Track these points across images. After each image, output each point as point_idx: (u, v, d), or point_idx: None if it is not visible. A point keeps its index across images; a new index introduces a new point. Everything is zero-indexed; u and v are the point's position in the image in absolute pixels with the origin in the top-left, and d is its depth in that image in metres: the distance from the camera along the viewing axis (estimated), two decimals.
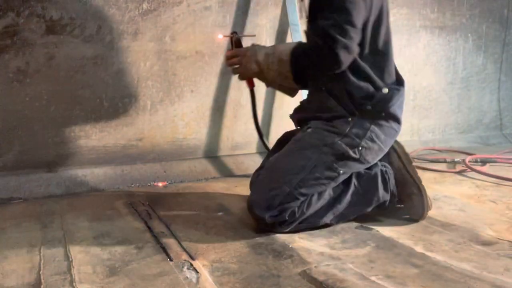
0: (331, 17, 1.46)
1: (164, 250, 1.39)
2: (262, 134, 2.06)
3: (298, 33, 2.41)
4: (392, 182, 1.64)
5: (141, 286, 1.17)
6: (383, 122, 1.59)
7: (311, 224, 1.55)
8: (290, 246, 1.43)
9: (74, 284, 1.18)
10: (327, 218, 1.56)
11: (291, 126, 1.88)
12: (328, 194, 1.56)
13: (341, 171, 1.55)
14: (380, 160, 1.65)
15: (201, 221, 1.66)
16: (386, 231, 1.56)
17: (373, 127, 1.57)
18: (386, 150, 1.63)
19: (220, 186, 2.18)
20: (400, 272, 1.24)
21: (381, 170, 1.63)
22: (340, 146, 1.54)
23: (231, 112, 2.47)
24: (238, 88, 2.45)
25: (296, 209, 1.50)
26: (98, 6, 2.08)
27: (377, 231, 1.56)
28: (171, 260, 1.32)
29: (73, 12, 2.04)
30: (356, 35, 1.48)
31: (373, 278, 1.21)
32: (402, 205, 1.69)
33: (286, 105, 2.39)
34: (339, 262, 1.30)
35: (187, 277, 1.22)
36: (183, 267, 1.28)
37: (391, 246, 1.43)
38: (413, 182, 1.64)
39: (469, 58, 3.26)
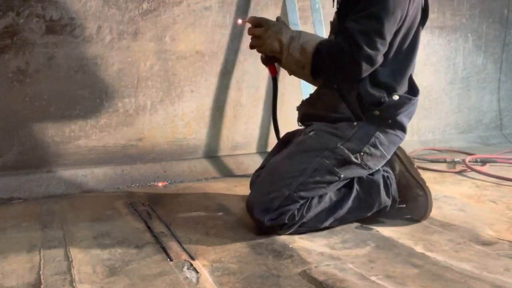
0: (362, 23, 1.43)
1: (164, 250, 1.39)
2: (278, 128, 1.87)
3: None
4: (394, 187, 1.63)
5: (141, 286, 1.17)
6: (389, 130, 1.57)
7: (312, 228, 1.54)
8: (290, 246, 1.43)
9: (74, 284, 1.18)
10: (328, 222, 1.55)
11: (291, 126, 1.88)
12: (328, 197, 1.55)
13: (342, 176, 1.53)
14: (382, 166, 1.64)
15: (201, 221, 1.66)
16: (386, 231, 1.56)
17: (378, 133, 1.55)
18: (388, 157, 1.61)
19: (220, 186, 2.18)
20: (400, 272, 1.24)
21: (383, 176, 1.62)
22: (342, 151, 1.52)
23: (231, 112, 2.47)
24: (238, 88, 2.45)
25: (296, 212, 1.49)
26: (98, 6, 2.08)
27: (377, 231, 1.56)
28: (171, 260, 1.32)
29: (73, 12, 2.04)
30: (382, 47, 1.45)
31: (373, 278, 1.21)
32: (404, 206, 1.68)
33: (286, 105, 2.39)
34: (339, 262, 1.30)
35: (187, 277, 1.22)
36: (183, 267, 1.28)
37: (391, 246, 1.43)
38: (417, 184, 1.63)
39: (469, 58, 3.26)
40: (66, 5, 2.02)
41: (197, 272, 1.24)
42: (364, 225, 1.62)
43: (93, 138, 2.18)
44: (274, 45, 1.56)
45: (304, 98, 1.81)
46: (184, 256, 1.35)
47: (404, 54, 1.57)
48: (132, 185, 2.18)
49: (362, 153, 1.54)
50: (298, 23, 2.44)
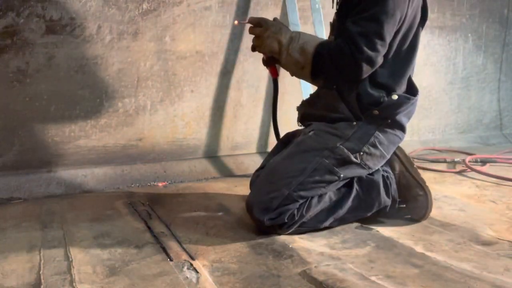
0: (361, 25, 1.43)
1: (164, 250, 1.39)
2: (278, 129, 1.88)
3: None
4: (393, 187, 1.63)
5: (141, 286, 1.17)
6: (388, 129, 1.57)
7: (312, 228, 1.54)
8: (290, 246, 1.43)
9: (74, 284, 1.18)
10: (328, 222, 1.55)
11: (291, 126, 1.88)
12: (328, 197, 1.55)
13: (342, 175, 1.53)
14: (381, 165, 1.64)
15: (201, 221, 1.66)
16: (386, 231, 1.56)
17: (377, 133, 1.55)
18: (388, 157, 1.61)
19: (220, 186, 2.18)
20: (400, 272, 1.24)
21: (383, 176, 1.62)
22: (342, 151, 1.52)
23: (231, 112, 2.47)
24: (238, 88, 2.45)
25: (295, 211, 1.49)
26: (98, 6, 2.08)
27: (377, 231, 1.56)
28: (171, 260, 1.32)
29: (73, 12, 2.04)
30: (382, 49, 1.45)
31: (373, 278, 1.21)
32: (404, 205, 1.68)
33: (287, 104, 2.39)
34: (339, 262, 1.30)
35: (187, 277, 1.22)
36: (183, 267, 1.28)
37: (391, 246, 1.43)
38: (417, 184, 1.63)
39: (469, 58, 3.26)
40: (66, 5, 2.02)
41: (197, 272, 1.24)
42: (364, 225, 1.62)
43: (93, 138, 2.18)
44: (273, 45, 1.55)
45: (304, 99, 1.82)
46: (184, 256, 1.35)
47: (404, 55, 1.57)
48: (132, 185, 2.18)
49: (361, 153, 1.54)
50: (298, 23, 2.44)
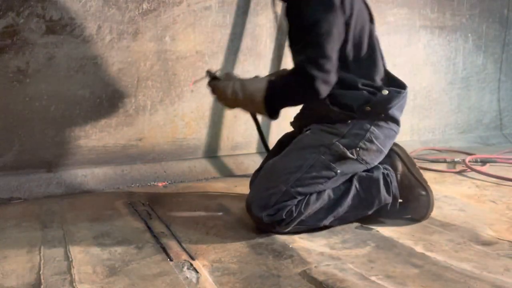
0: (305, 52, 1.49)
1: (164, 250, 1.39)
2: (267, 145, 1.98)
3: None
4: (394, 184, 1.63)
5: (141, 286, 1.17)
6: (382, 123, 1.59)
7: (311, 227, 1.54)
8: (290, 246, 1.43)
9: (74, 284, 1.18)
10: (327, 221, 1.55)
11: (290, 127, 1.88)
12: (327, 195, 1.55)
13: (339, 171, 1.55)
14: (381, 163, 1.65)
15: (201, 221, 1.66)
16: (386, 231, 1.56)
17: (372, 128, 1.57)
18: (385, 151, 1.63)
19: (220, 186, 2.18)
20: (400, 272, 1.24)
21: (383, 173, 1.62)
22: (338, 147, 1.54)
23: (231, 112, 2.46)
24: None
25: (294, 208, 1.50)
26: (98, 6, 2.08)
27: (377, 231, 1.56)
28: (171, 260, 1.32)
29: (73, 12, 2.04)
30: (332, 67, 1.49)
31: (373, 278, 1.21)
32: (406, 205, 1.68)
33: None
34: (339, 262, 1.30)
35: (187, 277, 1.22)
36: (183, 267, 1.28)
37: (391, 246, 1.43)
38: (419, 184, 1.63)
39: (469, 58, 3.26)
40: (66, 5, 2.02)
41: (197, 272, 1.24)
42: (364, 225, 1.62)
43: (93, 138, 2.18)
44: (227, 102, 1.65)
45: (297, 113, 1.84)
46: (184, 256, 1.35)
47: (366, 56, 1.60)
48: (132, 185, 2.18)
49: (358, 148, 1.56)
50: None
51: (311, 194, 1.53)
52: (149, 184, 2.22)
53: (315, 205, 1.53)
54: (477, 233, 1.54)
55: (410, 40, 2.98)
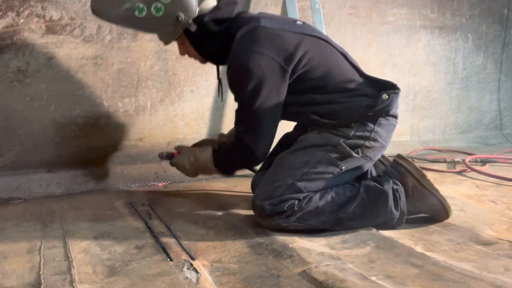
0: (244, 124, 1.60)
1: (164, 250, 1.39)
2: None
3: None
4: (403, 200, 1.59)
5: (141, 286, 1.17)
6: (383, 121, 1.62)
7: (312, 227, 1.54)
8: (290, 246, 1.43)
9: (74, 284, 1.18)
10: (328, 225, 1.55)
11: (290, 127, 1.88)
12: (331, 198, 1.55)
13: (344, 167, 1.59)
14: (391, 177, 1.63)
15: (201, 221, 1.66)
16: (386, 231, 1.56)
17: (376, 128, 1.60)
18: (387, 146, 1.66)
19: (220, 186, 2.18)
20: (400, 272, 1.24)
21: (393, 188, 1.60)
22: (344, 148, 1.57)
23: (231, 112, 2.46)
24: None
25: (296, 202, 1.52)
26: None
27: (377, 231, 1.56)
28: (171, 260, 1.32)
29: (73, 12, 2.04)
30: (269, 137, 1.60)
31: (373, 278, 1.21)
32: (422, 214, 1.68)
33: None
34: (339, 262, 1.30)
35: (187, 277, 1.22)
36: (183, 267, 1.28)
37: (391, 246, 1.43)
38: (431, 194, 1.62)
39: (469, 58, 3.26)
40: (66, 5, 2.03)
41: (197, 272, 1.24)
42: None
43: (93, 138, 2.18)
44: (189, 173, 1.81)
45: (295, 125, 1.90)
46: (184, 256, 1.35)
47: (321, 75, 1.60)
48: (132, 185, 2.18)
49: (363, 148, 1.59)
50: None
51: (315, 193, 1.55)
52: (149, 184, 2.22)
53: (317, 204, 1.53)
54: (477, 233, 1.54)
55: (410, 40, 2.98)
